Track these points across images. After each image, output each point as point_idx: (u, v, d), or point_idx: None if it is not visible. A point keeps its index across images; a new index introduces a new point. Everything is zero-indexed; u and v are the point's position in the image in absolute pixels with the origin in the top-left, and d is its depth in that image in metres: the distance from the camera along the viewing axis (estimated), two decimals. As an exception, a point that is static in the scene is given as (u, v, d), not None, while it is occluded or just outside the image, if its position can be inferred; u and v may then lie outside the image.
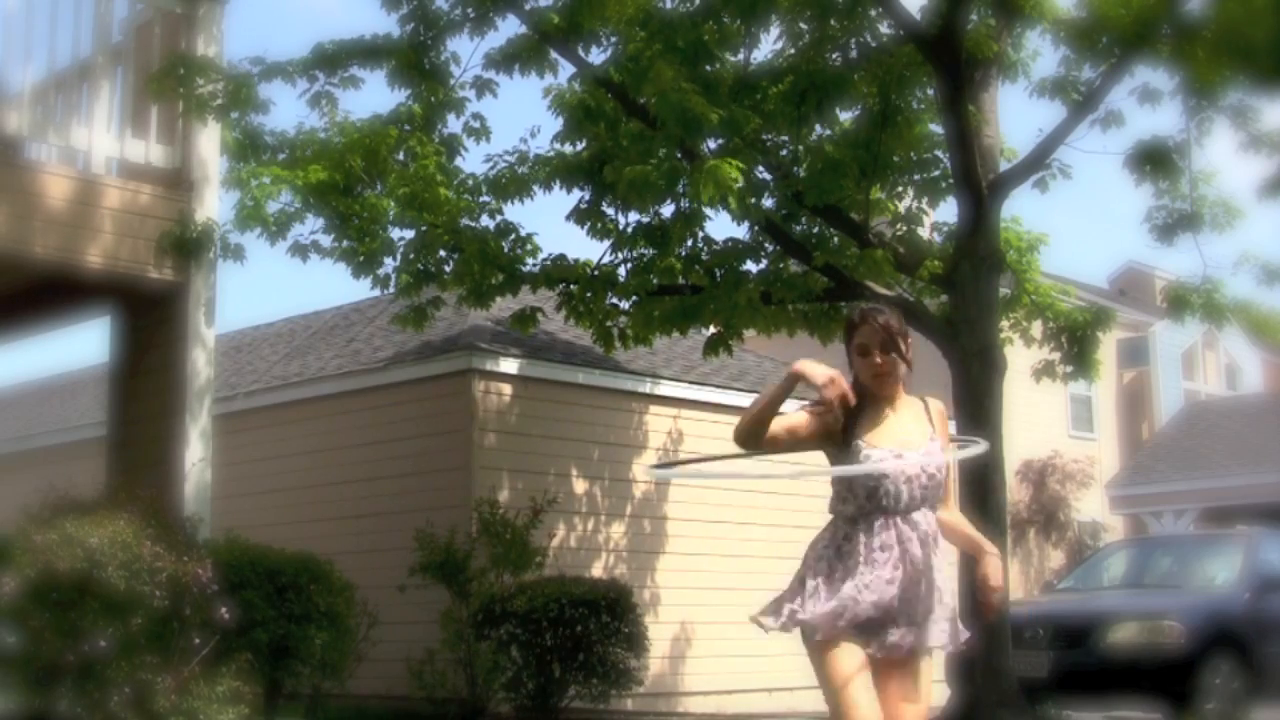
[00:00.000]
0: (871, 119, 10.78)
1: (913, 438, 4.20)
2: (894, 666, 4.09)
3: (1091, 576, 12.88)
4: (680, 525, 13.92)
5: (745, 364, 15.91)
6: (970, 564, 10.16)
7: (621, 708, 11.86)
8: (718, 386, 14.58)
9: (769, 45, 11.25)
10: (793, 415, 4.25)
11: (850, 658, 4.04)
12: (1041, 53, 11.58)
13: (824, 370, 4.05)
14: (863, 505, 4.15)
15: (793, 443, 4.25)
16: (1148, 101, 10.84)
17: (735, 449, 4.24)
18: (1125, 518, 23.75)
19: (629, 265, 11.88)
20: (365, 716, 11.07)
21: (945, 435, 4.32)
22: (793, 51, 10.83)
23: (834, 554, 4.17)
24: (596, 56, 11.14)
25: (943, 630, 4.12)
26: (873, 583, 4.07)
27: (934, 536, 4.16)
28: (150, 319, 9.15)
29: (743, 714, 13.46)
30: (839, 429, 4.20)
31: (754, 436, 4.15)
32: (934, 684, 4.16)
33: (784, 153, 11.21)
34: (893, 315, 4.23)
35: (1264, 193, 10.74)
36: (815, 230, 11.69)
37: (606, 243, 11.86)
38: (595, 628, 10.39)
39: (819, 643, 4.07)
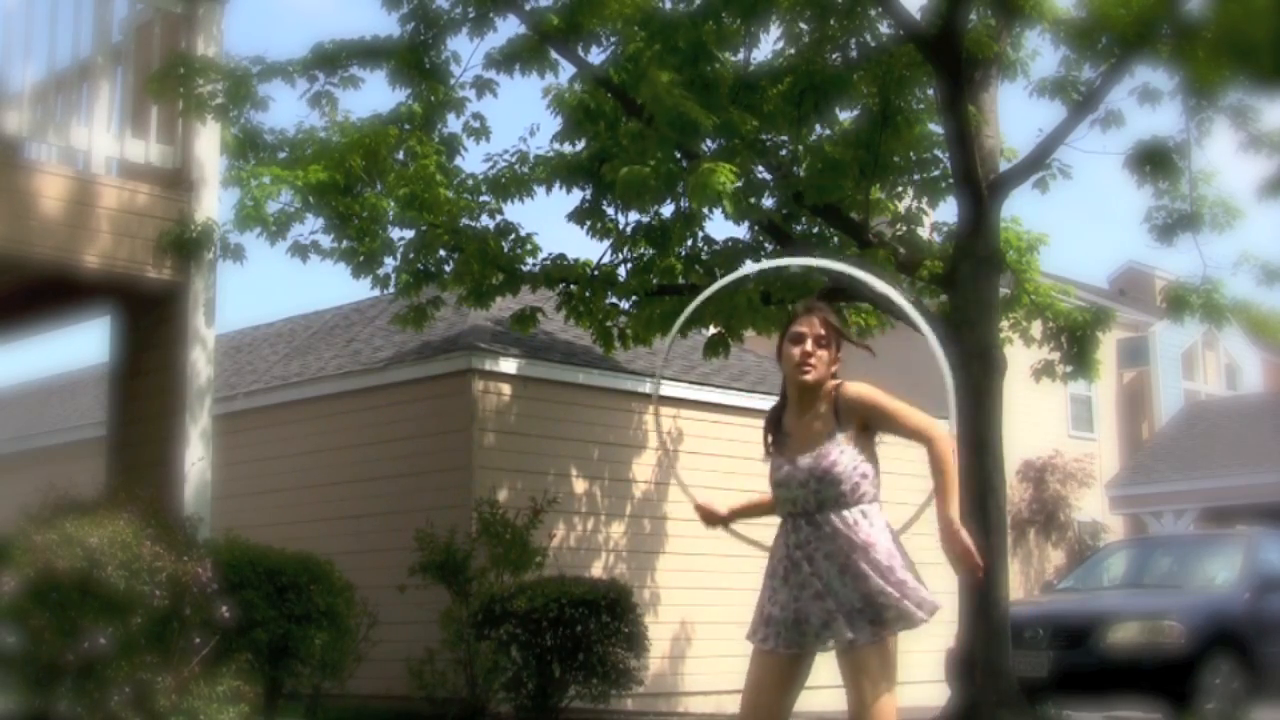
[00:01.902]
0: (871, 119, 10.78)
1: (815, 437, 4.28)
2: (841, 660, 4.18)
3: (1091, 576, 12.88)
4: (680, 525, 13.91)
5: (745, 364, 15.91)
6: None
7: (621, 708, 11.85)
8: (718, 386, 14.58)
9: (769, 45, 11.27)
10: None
11: (756, 664, 4.32)
12: (1041, 53, 11.60)
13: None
14: (778, 509, 4.36)
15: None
16: (1148, 101, 10.84)
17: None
18: (1125, 518, 23.74)
19: (629, 265, 11.89)
20: (365, 716, 11.06)
21: (857, 421, 4.26)
22: (793, 51, 10.83)
23: (772, 556, 4.38)
24: (596, 56, 11.15)
25: (857, 627, 4.10)
26: (781, 584, 4.24)
27: (844, 536, 4.16)
28: (150, 319, 9.15)
29: (743, 714, 13.45)
30: (773, 434, 4.41)
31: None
32: (890, 675, 4.13)
33: (784, 153, 11.21)
34: (831, 313, 4.38)
35: (1264, 193, 10.74)
36: (815, 230, 11.69)
37: (606, 243, 11.87)
38: (595, 628, 10.38)
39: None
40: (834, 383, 4.32)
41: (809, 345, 4.27)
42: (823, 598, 4.15)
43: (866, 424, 4.28)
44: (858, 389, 4.30)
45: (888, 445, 4.38)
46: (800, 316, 4.35)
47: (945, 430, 4.24)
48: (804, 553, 4.21)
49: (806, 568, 4.19)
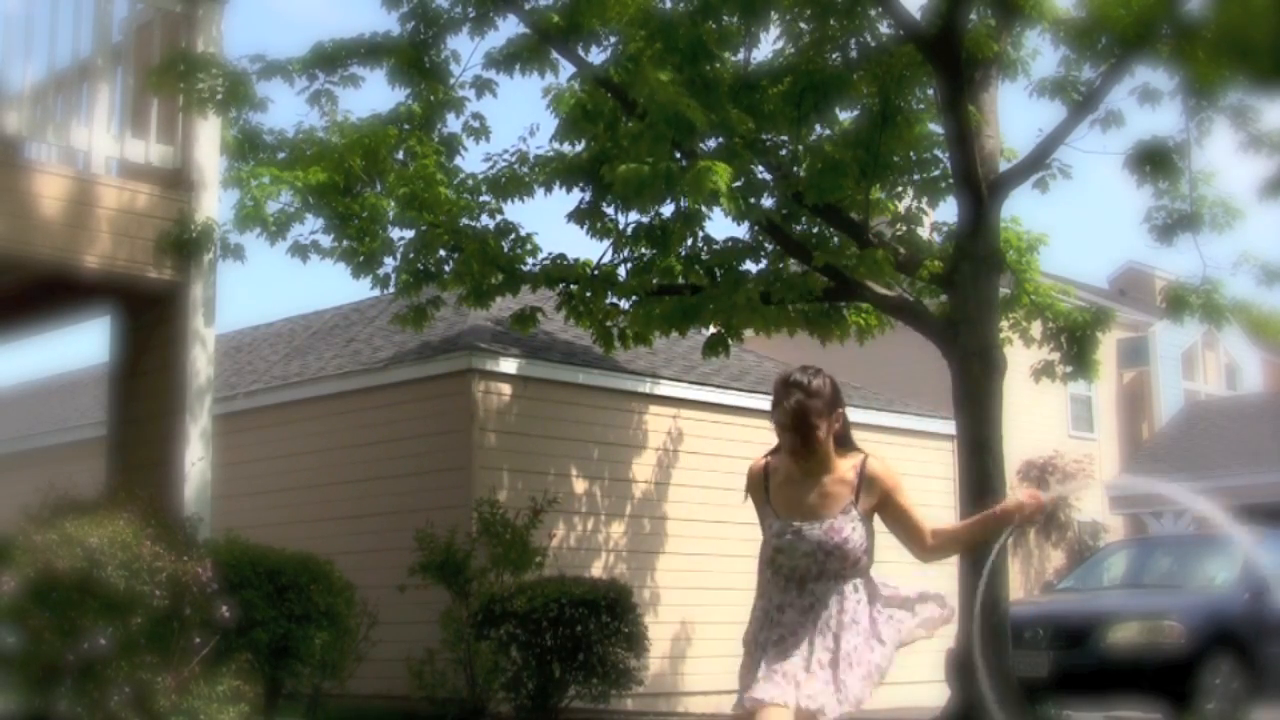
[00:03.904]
0: (871, 119, 10.78)
1: (825, 507, 4.12)
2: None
3: (1091, 576, 12.88)
4: (680, 525, 13.92)
5: (745, 364, 15.91)
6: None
7: (621, 708, 11.85)
8: (718, 386, 14.59)
9: (769, 45, 11.27)
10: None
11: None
12: (1041, 52, 11.59)
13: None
14: (768, 571, 4.22)
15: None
16: (1148, 101, 10.84)
17: None
18: (1125, 518, 23.74)
19: (629, 265, 11.88)
20: (365, 716, 11.07)
21: (877, 496, 4.14)
22: (793, 51, 10.83)
23: (755, 617, 4.26)
24: (596, 56, 11.15)
25: (821, 695, 4.01)
26: (771, 647, 4.13)
27: (832, 608, 4.10)
28: (150, 319, 9.15)
29: (743, 714, 13.46)
30: (763, 488, 4.26)
31: None
32: None
33: (784, 152, 11.21)
34: (813, 389, 4.10)
35: (1264, 193, 10.74)
36: (815, 230, 11.69)
37: (606, 243, 11.86)
38: (595, 628, 10.39)
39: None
40: (859, 456, 4.19)
41: (793, 438, 4.11)
42: (795, 663, 4.10)
43: (877, 506, 4.18)
44: (885, 470, 4.19)
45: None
46: (775, 405, 4.14)
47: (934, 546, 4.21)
48: (782, 616, 4.15)
49: (781, 630, 4.14)
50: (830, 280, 11.07)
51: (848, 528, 4.09)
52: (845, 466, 4.17)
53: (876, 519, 4.23)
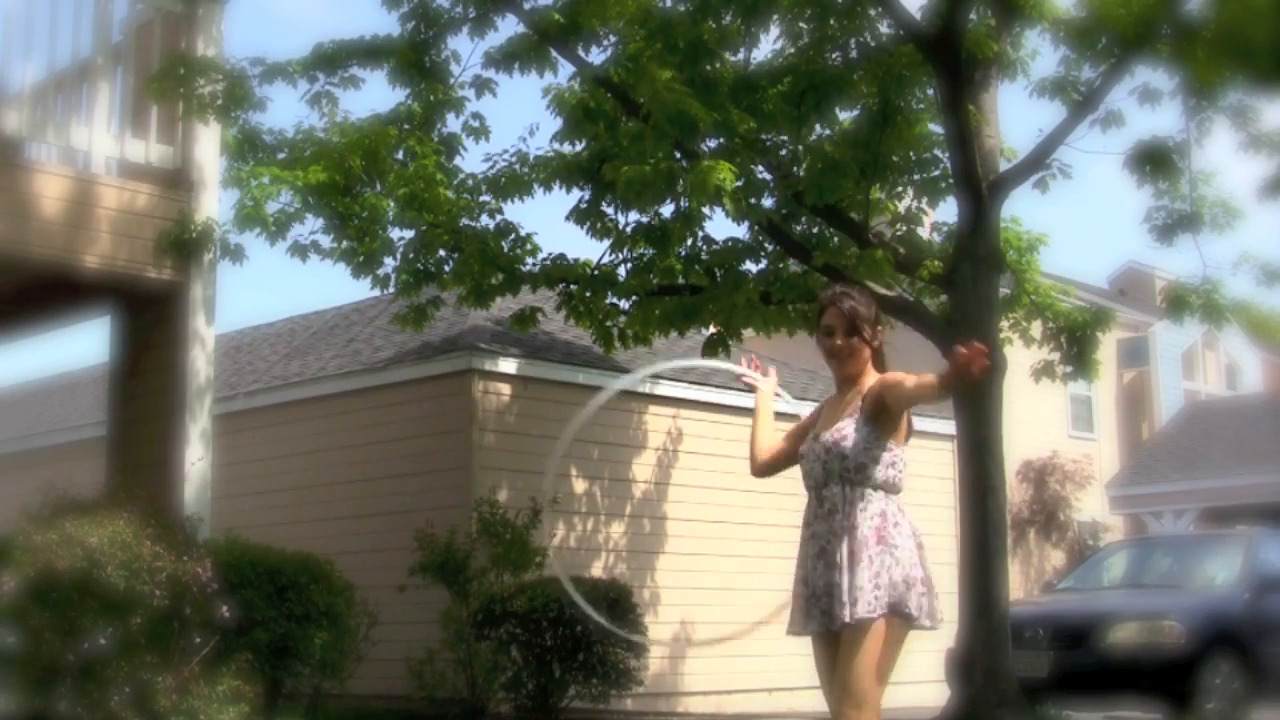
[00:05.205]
0: (871, 119, 10.78)
1: (840, 418, 4.38)
2: (838, 639, 4.20)
3: (1091, 576, 12.88)
4: (680, 525, 13.91)
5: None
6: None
7: (621, 708, 11.86)
8: (718, 386, 14.58)
9: (769, 45, 11.27)
10: (791, 430, 4.59)
11: (815, 649, 4.32)
12: (1041, 52, 11.58)
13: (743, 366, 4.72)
14: (804, 485, 4.43)
15: (794, 453, 4.53)
16: (1148, 101, 10.84)
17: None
18: (1125, 518, 23.74)
19: (629, 265, 11.89)
20: (365, 716, 11.06)
21: (872, 402, 4.32)
22: (793, 51, 10.83)
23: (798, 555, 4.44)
24: (596, 56, 11.15)
25: (849, 604, 4.10)
26: (798, 565, 4.35)
27: (843, 510, 4.23)
28: (150, 319, 9.15)
29: (743, 714, 13.46)
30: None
31: (755, 464, 4.60)
32: (879, 664, 4.11)
33: (784, 153, 11.21)
34: (861, 300, 4.42)
35: (1264, 193, 10.75)
36: (815, 230, 11.69)
37: (606, 243, 11.86)
38: (595, 628, 10.38)
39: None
40: (878, 377, 4.42)
41: (839, 339, 4.39)
42: (812, 578, 4.26)
43: (885, 403, 4.30)
44: (882, 375, 4.42)
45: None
46: (826, 308, 4.43)
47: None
48: (810, 530, 4.33)
49: (811, 546, 4.30)
50: (830, 280, 11.07)
51: (849, 427, 4.30)
52: (863, 384, 4.41)
53: (902, 448, 4.39)
